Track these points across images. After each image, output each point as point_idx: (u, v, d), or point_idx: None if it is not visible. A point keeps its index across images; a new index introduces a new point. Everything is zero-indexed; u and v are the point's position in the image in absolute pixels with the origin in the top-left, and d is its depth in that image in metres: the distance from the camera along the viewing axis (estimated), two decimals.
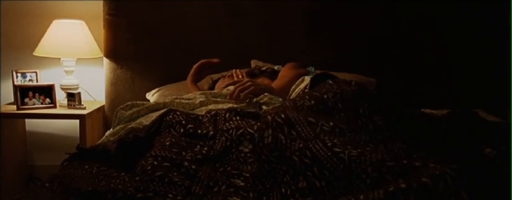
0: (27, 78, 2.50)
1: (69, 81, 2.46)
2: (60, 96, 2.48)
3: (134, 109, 1.51)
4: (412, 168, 0.82)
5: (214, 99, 1.58)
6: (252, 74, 2.04)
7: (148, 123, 1.35)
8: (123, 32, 2.51)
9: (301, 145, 0.95)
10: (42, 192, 0.98)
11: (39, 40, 2.40)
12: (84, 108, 2.37)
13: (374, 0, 2.48)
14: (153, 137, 1.28)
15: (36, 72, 2.52)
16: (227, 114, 1.25)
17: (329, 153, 0.91)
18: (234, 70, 2.03)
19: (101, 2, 2.50)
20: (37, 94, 2.37)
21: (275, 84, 1.78)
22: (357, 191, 0.84)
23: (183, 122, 1.24)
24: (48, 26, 2.41)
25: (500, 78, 2.43)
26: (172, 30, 2.52)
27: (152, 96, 2.35)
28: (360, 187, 0.84)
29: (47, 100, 2.39)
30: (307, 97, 1.16)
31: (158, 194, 0.89)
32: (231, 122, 1.19)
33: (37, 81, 2.50)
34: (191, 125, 1.22)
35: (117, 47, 2.52)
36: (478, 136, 1.23)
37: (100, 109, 2.53)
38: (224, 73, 2.13)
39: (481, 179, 0.77)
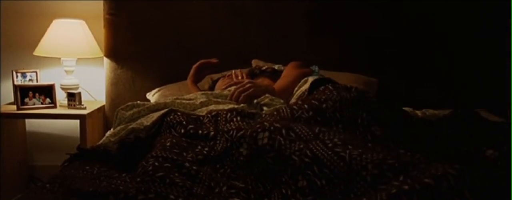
0: (27, 78, 2.49)
1: (69, 81, 2.46)
2: (60, 96, 2.48)
3: (135, 110, 1.50)
4: (413, 166, 0.82)
5: (215, 99, 1.57)
6: (252, 74, 2.03)
7: (148, 123, 1.34)
8: (123, 31, 2.50)
9: (301, 146, 0.95)
10: (43, 193, 0.98)
11: (39, 40, 2.39)
12: (85, 108, 2.36)
13: (375, 0, 2.47)
14: (154, 137, 1.27)
15: (36, 72, 2.52)
16: (228, 115, 1.25)
17: (330, 152, 0.90)
18: (233, 71, 2.02)
19: (102, 2, 2.49)
20: (37, 94, 2.36)
21: (278, 83, 1.77)
22: (357, 188, 0.84)
23: (184, 122, 1.24)
24: (48, 25, 2.41)
25: (501, 77, 2.43)
26: (173, 30, 2.51)
27: (152, 96, 2.35)
28: (361, 184, 0.83)
29: (47, 100, 2.38)
30: (305, 106, 1.15)
31: (160, 195, 0.88)
32: (231, 123, 1.19)
33: (37, 81, 2.50)
34: (192, 126, 1.22)
35: (118, 47, 2.52)
36: (480, 137, 1.23)
37: (101, 109, 2.53)
38: (225, 73, 2.13)
39: (484, 179, 0.77)
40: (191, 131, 1.20)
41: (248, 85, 1.58)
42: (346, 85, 1.28)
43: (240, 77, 1.93)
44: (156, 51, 2.52)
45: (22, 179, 2.58)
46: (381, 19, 2.49)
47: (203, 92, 1.69)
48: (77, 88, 2.47)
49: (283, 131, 0.99)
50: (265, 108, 1.47)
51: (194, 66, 2.09)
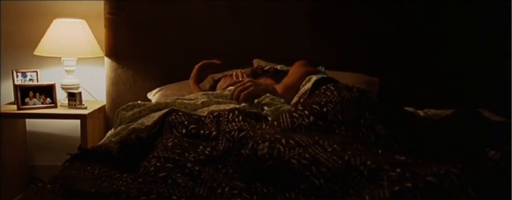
0: (28, 78, 2.49)
1: (70, 80, 2.45)
2: (61, 96, 2.47)
3: (136, 110, 1.50)
4: (411, 164, 0.82)
5: (216, 99, 1.56)
6: (254, 74, 2.03)
7: (150, 123, 1.33)
8: (124, 31, 2.50)
9: (300, 151, 0.95)
10: (44, 193, 0.97)
11: (39, 40, 2.39)
12: (85, 108, 2.36)
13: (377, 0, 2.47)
14: (155, 137, 1.27)
15: (36, 72, 2.51)
16: (230, 115, 1.24)
17: (329, 154, 0.90)
18: (234, 72, 2.02)
19: (102, 1, 2.49)
20: (37, 94, 2.36)
21: (285, 81, 1.77)
22: (355, 183, 0.83)
23: (186, 122, 1.23)
24: (48, 25, 2.40)
25: (503, 77, 2.42)
26: (174, 30, 2.50)
27: (153, 96, 2.34)
28: (358, 179, 0.83)
29: (48, 99, 2.37)
30: (306, 112, 1.14)
31: (162, 196, 0.88)
32: (233, 123, 1.18)
33: (37, 81, 2.49)
34: (194, 126, 1.21)
35: (118, 47, 2.51)
36: (482, 137, 1.22)
37: (101, 109, 2.52)
38: (226, 73, 2.12)
39: (486, 177, 0.76)
40: (193, 131, 1.19)
41: (248, 84, 1.58)
42: (348, 85, 1.27)
43: (240, 77, 1.93)
44: (157, 50, 2.51)
45: (22, 179, 2.57)
46: (382, 18, 2.48)
47: (204, 92, 1.69)
48: (77, 88, 2.46)
49: (283, 141, 0.99)
50: (266, 107, 1.46)
51: (196, 66, 2.10)
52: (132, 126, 1.36)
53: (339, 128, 1.10)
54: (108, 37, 2.50)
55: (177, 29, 2.50)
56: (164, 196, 0.88)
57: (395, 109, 1.26)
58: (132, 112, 1.49)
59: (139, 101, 1.60)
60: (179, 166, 0.99)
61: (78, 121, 2.30)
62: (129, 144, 1.16)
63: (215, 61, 2.08)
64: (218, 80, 2.08)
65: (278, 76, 1.96)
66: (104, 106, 2.56)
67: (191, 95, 1.65)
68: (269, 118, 1.34)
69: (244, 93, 1.55)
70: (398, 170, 0.79)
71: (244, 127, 1.13)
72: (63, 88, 2.45)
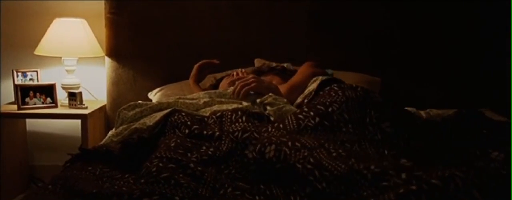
0: (28, 78, 2.48)
1: (70, 80, 2.44)
2: (61, 96, 2.46)
3: (137, 109, 1.49)
4: (415, 168, 0.81)
5: (218, 99, 1.55)
6: (259, 72, 2.02)
7: (151, 123, 1.33)
8: (125, 30, 2.49)
9: (305, 153, 0.95)
10: (45, 194, 0.97)
11: (40, 39, 2.38)
12: (86, 108, 2.35)
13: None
14: (157, 137, 1.26)
15: (37, 71, 2.50)
16: (233, 115, 1.24)
17: (333, 159, 0.90)
18: (235, 71, 2.02)
19: (103, 1, 2.48)
20: (38, 94, 2.35)
21: (291, 81, 1.77)
22: (358, 187, 0.83)
23: (189, 123, 1.23)
24: (49, 24, 2.39)
25: (505, 77, 2.42)
26: (175, 29, 2.50)
27: (154, 96, 2.33)
28: (362, 183, 0.83)
29: (48, 99, 2.37)
30: (311, 113, 1.14)
31: (165, 197, 0.87)
32: (237, 124, 1.18)
33: (38, 81, 2.48)
34: (197, 126, 1.20)
35: (119, 46, 2.50)
36: (485, 138, 1.22)
37: (102, 109, 2.51)
38: (228, 72, 2.12)
39: (491, 180, 0.76)
40: (196, 132, 1.18)
41: (251, 80, 1.57)
42: (352, 84, 1.27)
43: (241, 75, 1.92)
44: (157, 50, 2.50)
45: (22, 179, 2.56)
46: (384, 18, 2.48)
47: (206, 91, 1.68)
48: (78, 88, 2.45)
49: (289, 143, 0.99)
50: (268, 107, 1.45)
51: (196, 65, 2.10)
52: (133, 126, 1.35)
53: (346, 127, 1.10)
54: (108, 36, 2.49)
55: (178, 28, 2.49)
56: (167, 197, 0.87)
57: (398, 109, 1.26)
58: (133, 112, 1.48)
59: (140, 101, 1.59)
60: (182, 167, 0.99)
61: (78, 121, 2.29)
62: (131, 144, 1.16)
63: (214, 60, 2.10)
64: (221, 79, 2.08)
65: (284, 74, 1.95)
66: (104, 106, 2.55)
67: (193, 94, 1.64)
68: (272, 118, 1.33)
69: (245, 88, 1.54)
70: (403, 175, 0.79)
71: (248, 128, 1.13)
72: (63, 88, 2.45)
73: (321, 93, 1.27)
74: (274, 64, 2.12)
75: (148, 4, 2.48)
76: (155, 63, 2.51)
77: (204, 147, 1.11)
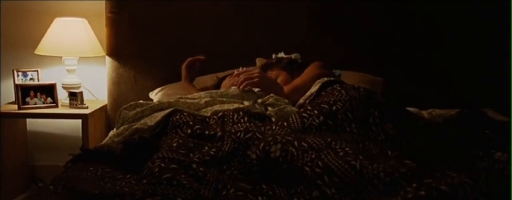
0: (28, 77, 2.47)
1: (71, 80, 2.44)
2: (62, 95, 2.45)
3: (138, 109, 1.48)
4: (427, 175, 0.80)
5: (220, 98, 1.55)
6: (265, 67, 2.01)
7: (153, 123, 1.32)
8: (125, 30, 2.48)
9: (313, 156, 0.94)
10: (46, 194, 0.96)
11: (40, 39, 2.37)
12: (87, 108, 2.34)
13: None
14: (159, 138, 1.25)
15: (37, 71, 2.49)
16: (235, 116, 1.23)
17: (340, 162, 0.90)
18: (236, 71, 2.01)
19: (104, 0, 2.47)
20: (38, 94, 2.34)
21: (295, 81, 1.76)
22: (369, 197, 0.82)
23: (191, 123, 1.22)
24: (49, 24, 2.38)
25: (506, 77, 2.41)
26: (176, 28, 2.49)
27: (155, 95, 2.32)
28: (373, 193, 0.82)
29: (49, 99, 2.36)
30: (315, 112, 1.14)
31: (167, 197, 0.86)
32: (239, 124, 1.17)
33: (38, 80, 2.47)
34: (199, 126, 1.20)
35: (120, 46, 2.49)
36: (488, 138, 1.22)
37: (103, 109, 2.51)
38: (230, 72, 2.11)
39: (499, 186, 0.76)
40: (198, 132, 1.18)
41: (256, 74, 1.56)
42: (354, 85, 1.27)
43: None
44: (158, 49, 2.50)
45: (23, 179, 2.56)
46: (385, 18, 2.47)
47: (207, 91, 1.67)
48: (78, 87, 2.44)
49: (296, 143, 0.99)
50: (269, 108, 1.45)
51: (183, 66, 2.13)
52: (135, 126, 1.34)
53: (350, 126, 1.09)
54: (109, 36, 2.49)
55: (178, 28, 2.49)
56: (169, 198, 0.86)
57: (400, 109, 1.25)
58: (134, 111, 1.47)
59: (141, 101, 1.59)
60: (184, 167, 0.98)
61: (79, 121, 2.28)
62: (132, 144, 1.15)
63: (199, 57, 2.12)
64: (223, 78, 2.07)
65: (291, 68, 1.94)
66: (105, 105, 2.54)
67: (195, 94, 1.63)
68: (273, 119, 1.32)
69: (247, 82, 1.54)
70: (415, 185, 0.78)
71: (250, 129, 1.12)
72: (64, 88, 2.44)
73: (323, 93, 1.26)
74: (281, 54, 2.10)
75: (149, 3, 2.47)
76: (156, 63, 2.50)
77: (206, 148, 1.10)
